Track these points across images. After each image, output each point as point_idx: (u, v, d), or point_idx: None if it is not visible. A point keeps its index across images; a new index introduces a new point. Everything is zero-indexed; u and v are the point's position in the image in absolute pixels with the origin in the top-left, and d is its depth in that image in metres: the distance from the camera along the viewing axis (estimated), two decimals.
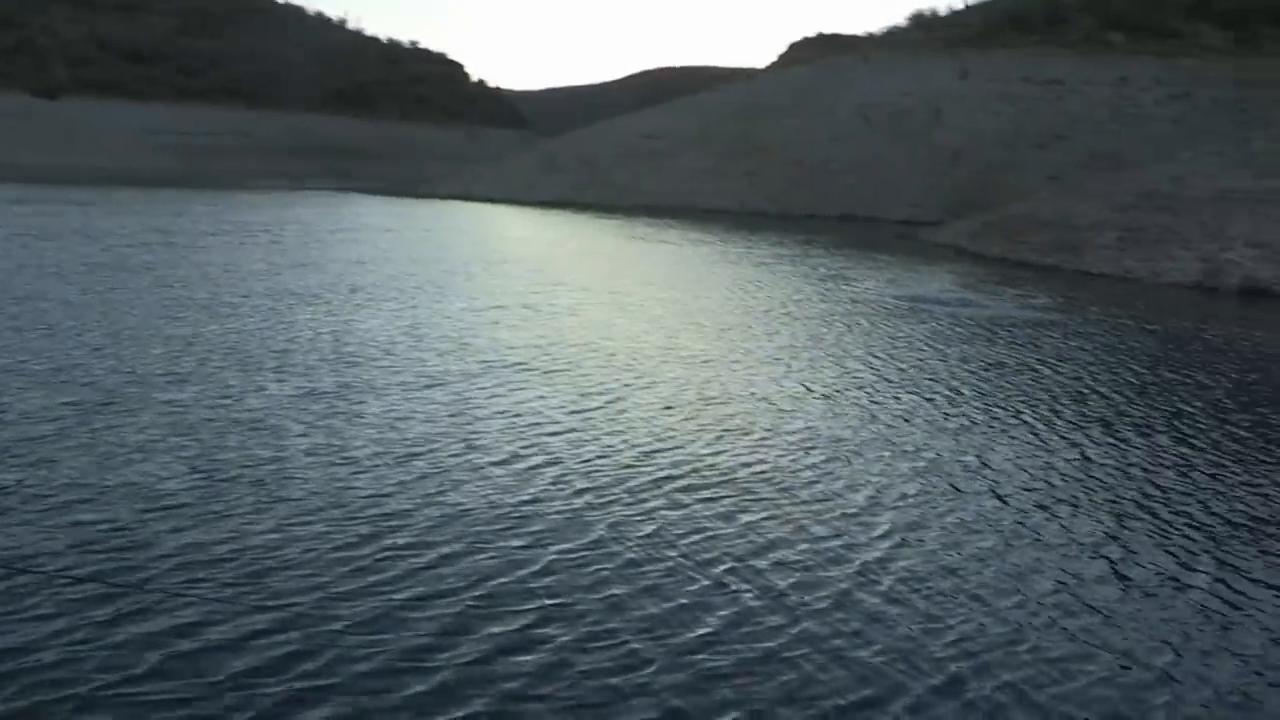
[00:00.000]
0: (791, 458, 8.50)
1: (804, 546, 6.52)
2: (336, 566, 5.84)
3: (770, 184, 52.64)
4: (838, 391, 11.12)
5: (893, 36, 76.69)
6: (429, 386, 10.36)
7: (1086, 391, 11.64)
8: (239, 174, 78.38)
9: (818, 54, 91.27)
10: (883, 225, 44.03)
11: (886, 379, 11.83)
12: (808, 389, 11.13)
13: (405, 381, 10.54)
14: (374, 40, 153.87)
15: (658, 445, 8.67)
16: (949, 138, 53.88)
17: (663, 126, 63.45)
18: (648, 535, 6.62)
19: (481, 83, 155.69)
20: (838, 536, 6.75)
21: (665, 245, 29.87)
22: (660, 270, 23.61)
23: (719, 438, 8.95)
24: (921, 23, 75.75)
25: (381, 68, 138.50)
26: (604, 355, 12.43)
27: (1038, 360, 13.43)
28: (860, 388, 11.28)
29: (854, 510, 7.27)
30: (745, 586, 5.87)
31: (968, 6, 75.76)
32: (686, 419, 9.59)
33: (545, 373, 11.28)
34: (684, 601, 5.61)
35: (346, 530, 6.41)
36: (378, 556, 6.03)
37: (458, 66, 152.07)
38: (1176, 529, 7.19)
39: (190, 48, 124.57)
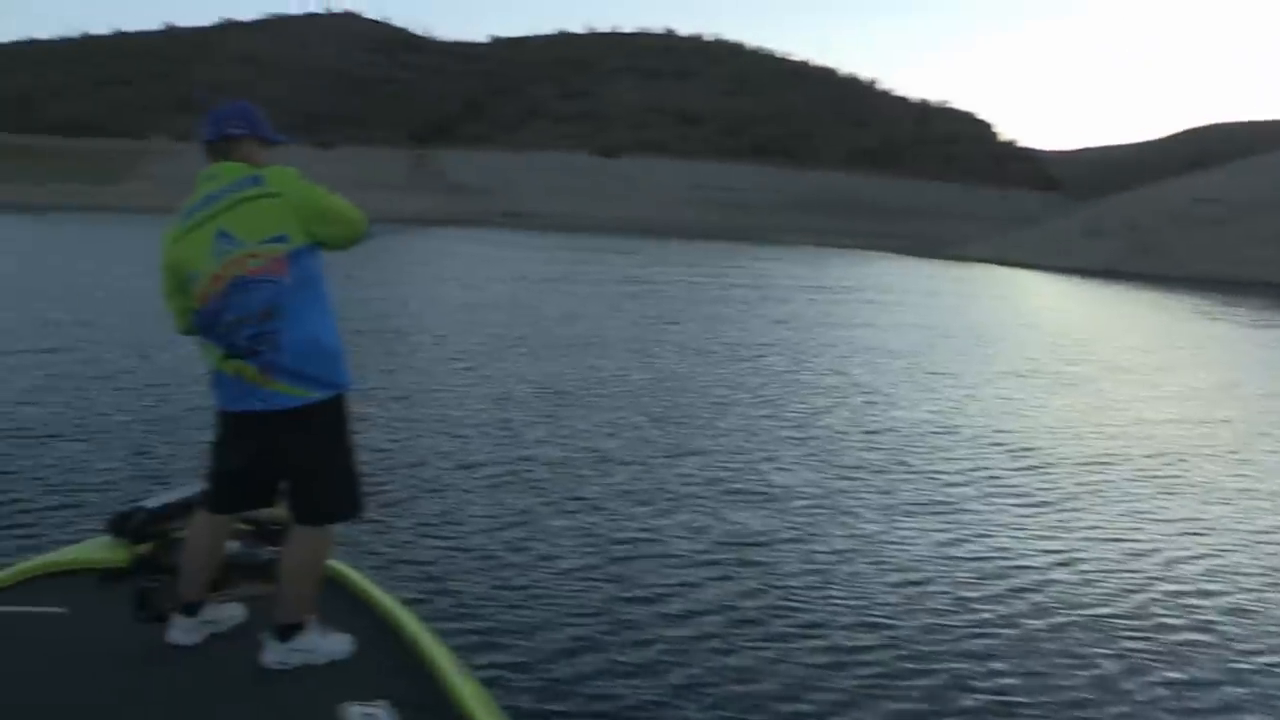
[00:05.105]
0: None
1: None
2: None
3: None
4: None
5: None
6: None
7: None
8: (767, 229, 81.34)
9: None
10: None
11: None
12: None
13: None
14: (903, 100, 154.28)
15: None
16: None
17: (1219, 191, 57.23)
18: None
19: (1011, 143, 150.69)
20: None
21: None
22: None
23: None
24: None
25: (910, 126, 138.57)
26: None
27: None
28: None
29: None
30: None
31: None
32: None
33: None
34: None
35: None
36: None
37: (986, 125, 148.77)
38: None
39: (732, 109, 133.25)
